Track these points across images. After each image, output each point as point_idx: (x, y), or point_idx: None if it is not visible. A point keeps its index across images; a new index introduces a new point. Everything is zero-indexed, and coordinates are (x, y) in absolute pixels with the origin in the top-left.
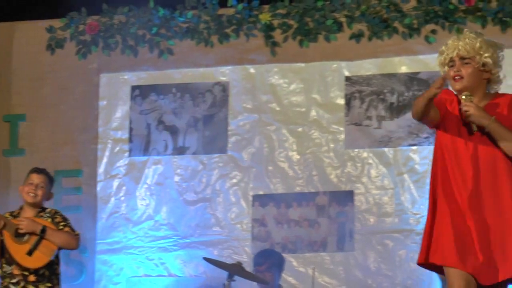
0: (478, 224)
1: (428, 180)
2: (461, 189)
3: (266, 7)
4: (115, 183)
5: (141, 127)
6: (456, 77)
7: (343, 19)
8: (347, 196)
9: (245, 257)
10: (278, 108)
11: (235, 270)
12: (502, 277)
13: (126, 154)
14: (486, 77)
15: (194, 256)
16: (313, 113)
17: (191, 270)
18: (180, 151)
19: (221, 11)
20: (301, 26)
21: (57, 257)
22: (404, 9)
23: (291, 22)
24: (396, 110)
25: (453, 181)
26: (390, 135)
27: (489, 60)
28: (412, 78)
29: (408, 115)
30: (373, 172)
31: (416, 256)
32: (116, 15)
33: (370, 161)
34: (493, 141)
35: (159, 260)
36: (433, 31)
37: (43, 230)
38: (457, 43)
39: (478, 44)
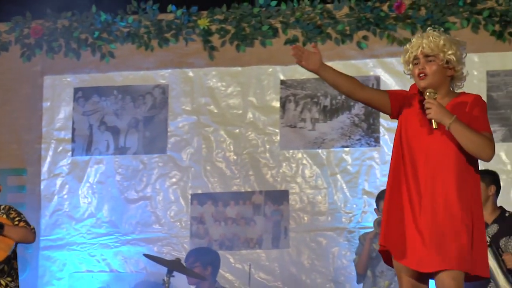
0: (424, 217)
1: (360, 181)
2: (412, 180)
3: (205, 12)
4: (58, 181)
5: (84, 128)
6: (421, 75)
7: (278, 25)
8: (282, 195)
9: (184, 253)
10: (216, 110)
11: (174, 266)
12: (439, 268)
13: (69, 153)
14: (450, 74)
15: (134, 252)
16: (249, 115)
17: (131, 266)
18: (121, 151)
19: (161, 16)
20: (238, 31)
21: (14, 252)
22: (337, 16)
23: (229, 27)
24: (329, 113)
25: (406, 172)
26: (323, 137)
27: (452, 57)
28: None
29: (341, 118)
30: (307, 172)
31: (348, 254)
32: (60, 19)
33: (304, 161)
34: (451, 138)
35: (101, 256)
36: (365, 37)
37: (1, 227)
38: (421, 41)
39: (441, 42)
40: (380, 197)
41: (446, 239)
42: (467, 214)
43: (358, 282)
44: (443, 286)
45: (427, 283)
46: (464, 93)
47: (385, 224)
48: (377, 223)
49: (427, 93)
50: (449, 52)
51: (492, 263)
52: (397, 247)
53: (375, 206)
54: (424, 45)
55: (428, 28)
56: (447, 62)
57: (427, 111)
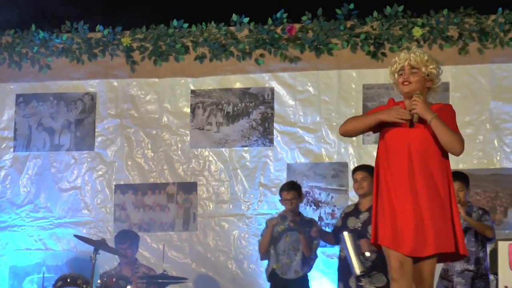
0: (412, 208)
1: (257, 175)
2: (398, 178)
3: (127, 32)
4: (2, 173)
5: (24, 128)
6: (405, 83)
7: (189, 44)
8: (192, 187)
9: (108, 235)
10: (136, 115)
11: (100, 245)
12: (430, 252)
13: (11, 150)
14: (429, 85)
15: (66, 233)
16: (164, 119)
17: (64, 245)
18: (56, 148)
19: (90, 34)
20: (156, 48)
21: None
22: (239, 37)
23: (147, 45)
24: (231, 118)
25: (392, 171)
26: (226, 138)
27: (433, 71)
28: (244, 93)
29: (241, 122)
30: (212, 168)
31: (246, 236)
32: (4, 36)
33: (210, 158)
34: (427, 138)
35: (38, 237)
36: (262, 55)
37: None
38: (409, 56)
39: (425, 58)
40: (282, 189)
41: (434, 227)
42: (448, 202)
43: (262, 259)
44: (423, 267)
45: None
46: (436, 104)
47: (376, 222)
48: (281, 217)
49: (415, 94)
50: (431, 67)
51: (351, 246)
52: (390, 238)
53: (279, 197)
54: (411, 58)
55: (414, 45)
56: (428, 75)
57: (413, 106)
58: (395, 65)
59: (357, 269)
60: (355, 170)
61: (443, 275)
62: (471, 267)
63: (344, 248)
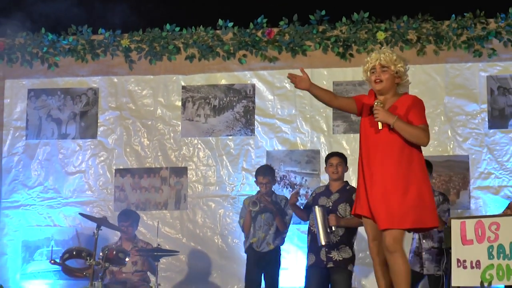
0: (376, 187)
1: (240, 160)
2: (369, 163)
3: (126, 35)
4: (15, 158)
5: (35, 119)
6: (377, 80)
7: (180, 45)
8: (183, 171)
9: (109, 213)
10: (133, 107)
11: (102, 222)
12: (383, 227)
13: (24, 138)
14: (398, 81)
15: (72, 212)
16: (159, 111)
17: (70, 222)
18: (63, 136)
19: (94, 37)
20: (151, 49)
21: None
22: (224, 39)
23: (144, 46)
24: (217, 111)
25: (366, 157)
26: (213, 128)
27: (401, 69)
28: (229, 88)
29: (226, 114)
30: (201, 154)
31: (231, 214)
32: (17, 37)
33: (199, 146)
34: (395, 133)
35: (47, 214)
36: (244, 55)
37: None
38: (379, 55)
39: (394, 57)
40: (257, 172)
41: (388, 205)
42: (407, 184)
43: (245, 237)
44: (384, 241)
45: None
46: (406, 93)
47: (356, 197)
48: (252, 203)
49: (375, 103)
50: (399, 65)
51: (320, 218)
52: (365, 211)
53: (254, 179)
54: (381, 58)
55: (383, 47)
56: (397, 72)
57: (375, 115)
58: (367, 64)
59: (322, 240)
60: (331, 155)
61: (416, 252)
62: (436, 245)
63: (313, 221)
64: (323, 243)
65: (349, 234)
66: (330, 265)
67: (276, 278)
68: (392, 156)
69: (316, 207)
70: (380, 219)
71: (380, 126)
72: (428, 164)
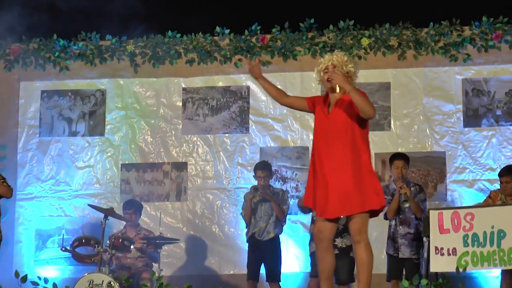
0: (328, 178)
1: (235, 156)
2: (320, 154)
3: (131, 40)
4: (29, 154)
5: (47, 118)
6: (329, 79)
7: (181, 50)
8: (183, 165)
9: (115, 204)
10: (138, 107)
11: (109, 212)
12: (336, 215)
13: (37, 135)
14: (348, 81)
15: (82, 203)
16: (161, 111)
17: (80, 212)
18: (73, 134)
19: (101, 42)
20: (154, 54)
21: None
22: (221, 45)
23: (148, 51)
24: (215, 110)
25: (317, 149)
26: (211, 126)
27: (352, 70)
28: (225, 90)
29: (223, 114)
30: (200, 150)
31: (227, 205)
32: (31, 43)
33: (198, 143)
34: (341, 123)
35: (59, 205)
36: (240, 60)
37: None
38: (332, 57)
39: (345, 58)
40: (256, 167)
41: (343, 194)
42: (357, 170)
43: (247, 227)
44: (350, 227)
45: (333, 221)
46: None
47: (307, 189)
48: (253, 188)
49: (336, 70)
50: (349, 66)
51: None
52: (315, 203)
53: (253, 174)
54: (334, 59)
55: (336, 50)
56: (347, 72)
57: (333, 77)
58: (321, 65)
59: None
60: None
61: (392, 237)
62: (412, 231)
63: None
64: (339, 228)
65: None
66: (335, 252)
67: (276, 265)
68: (341, 145)
69: None
70: (329, 208)
71: (337, 89)
72: (406, 157)
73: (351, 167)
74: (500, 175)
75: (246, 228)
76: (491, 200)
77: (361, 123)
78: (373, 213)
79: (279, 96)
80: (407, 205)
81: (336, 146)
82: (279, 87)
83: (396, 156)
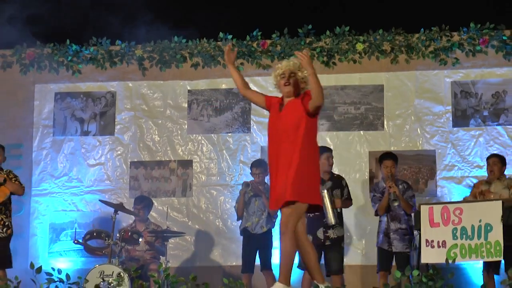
0: (279, 171)
1: (238, 154)
2: (274, 149)
3: (140, 45)
4: (44, 152)
5: (61, 118)
6: (286, 84)
7: (186, 54)
8: (188, 163)
9: (125, 200)
10: (146, 108)
11: (118, 207)
12: (276, 207)
13: (51, 135)
14: (303, 86)
15: (93, 198)
16: (168, 111)
17: (91, 207)
18: (85, 133)
19: (112, 47)
20: (161, 58)
21: (9, 199)
22: (224, 49)
23: (155, 55)
24: (219, 111)
25: (271, 145)
26: (215, 126)
27: (306, 75)
28: (228, 92)
29: (226, 114)
30: (204, 149)
31: (230, 201)
32: (45, 48)
33: (203, 142)
34: (291, 122)
35: (71, 201)
36: (242, 63)
37: (4, 180)
38: (289, 63)
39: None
40: (252, 165)
41: (282, 188)
42: (301, 167)
43: (238, 220)
44: (280, 218)
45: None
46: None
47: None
48: (245, 184)
49: (306, 51)
50: (305, 72)
51: (328, 201)
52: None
53: (250, 171)
54: (290, 65)
55: (292, 57)
56: (303, 78)
57: (301, 57)
58: (278, 70)
59: (332, 220)
60: (327, 150)
61: (385, 233)
62: (403, 226)
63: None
64: (333, 222)
65: (342, 215)
66: (328, 243)
67: (269, 256)
68: (293, 141)
69: (325, 191)
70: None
71: (304, 72)
72: (395, 156)
73: (296, 164)
74: (487, 159)
75: (238, 220)
76: (474, 188)
77: (309, 122)
78: (312, 209)
79: (243, 86)
80: (396, 203)
81: (284, 143)
82: None
83: (385, 156)
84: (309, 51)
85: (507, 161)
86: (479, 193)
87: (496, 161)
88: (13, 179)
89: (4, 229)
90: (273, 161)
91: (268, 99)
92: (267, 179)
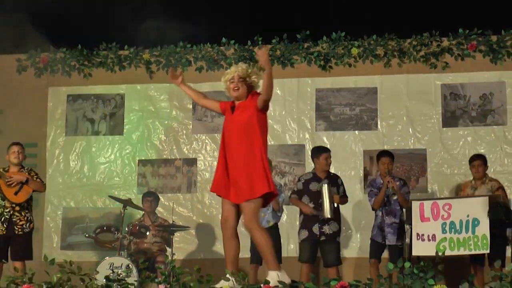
0: (230, 169)
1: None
2: (226, 149)
3: (147, 50)
4: (57, 151)
5: (73, 119)
6: (235, 88)
7: (191, 59)
8: (193, 161)
9: (133, 196)
10: (153, 109)
11: (127, 203)
12: (237, 201)
13: (64, 134)
14: (250, 90)
15: (103, 194)
16: (174, 112)
17: (101, 202)
18: (95, 133)
19: (121, 52)
20: (167, 62)
21: (31, 196)
22: (227, 54)
23: (162, 59)
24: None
25: (224, 144)
26: (218, 126)
27: (255, 80)
28: None
29: None
30: (208, 147)
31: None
32: (58, 52)
33: (207, 141)
34: (241, 123)
35: (83, 196)
36: None
37: (27, 180)
38: (237, 69)
39: (249, 70)
40: None
41: (238, 183)
42: (251, 163)
43: None
44: (244, 212)
45: (237, 208)
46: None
47: (214, 176)
48: None
49: (264, 47)
50: (253, 77)
51: (327, 195)
52: (222, 189)
53: None
54: (239, 70)
55: (240, 62)
56: (251, 83)
57: (261, 56)
58: (227, 75)
59: (328, 214)
60: (326, 150)
61: (379, 226)
62: (397, 221)
63: (320, 197)
64: (328, 216)
65: (337, 211)
66: (323, 238)
67: (276, 247)
68: (242, 140)
69: (325, 185)
70: (235, 195)
71: (262, 69)
72: (392, 154)
73: (246, 161)
74: (470, 161)
75: None
76: (461, 191)
77: (260, 118)
78: (267, 199)
79: (198, 98)
80: (395, 197)
81: (235, 142)
82: (277, 92)
83: (383, 153)
84: (267, 48)
85: (494, 160)
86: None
87: (480, 163)
88: (35, 177)
89: (27, 224)
90: (227, 157)
91: (222, 104)
92: None
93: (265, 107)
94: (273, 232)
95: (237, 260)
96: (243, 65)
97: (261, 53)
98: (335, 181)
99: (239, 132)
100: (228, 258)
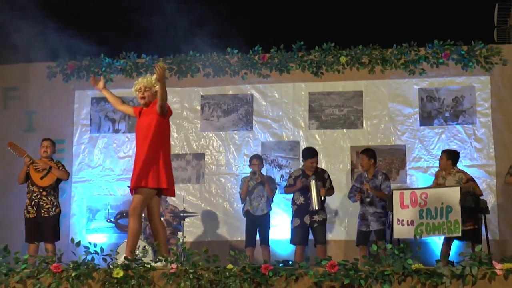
0: (134, 163)
1: (242, 149)
2: (136, 145)
3: (161, 58)
4: (82, 146)
5: (96, 119)
6: (142, 97)
7: (200, 66)
8: (201, 156)
9: None
10: None
11: None
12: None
13: (88, 132)
14: (154, 99)
15: (123, 184)
16: (184, 113)
17: (121, 192)
18: (116, 131)
19: (138, 60)
20: (179, 68)
21: (56, 182)
22: (231, 62)
23: (174, 66)
24: (226, 112)
25: (136, 142)
26: (223, 125)
27: (158, 89)
28: (234, 97)
29: (233, 115)
30: (214, 144)
31: (235, 187)
32: (83, 60)
33: (213, 138)
34: (145, 125)
35: (105, 187)
36: (246, 73)
37: (51, 167)
38: (144, 80)
39: (154, 81)
40: (251, 158)
41: (133, 173)
42: (149, 159)
43: (242, 203)
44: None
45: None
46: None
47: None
48: (252, 172)
49: (161, 61)
50: (157, 87)
51: (314, 189)
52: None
53: (249, 163)
54: (145, 81)
55: (148, 74)
56: (155, 92)
57: (158, 71)
58: (135, 86)
59: (316, 205)
60: (313, 156)
61: (362, 217)
62: (378, 210)
63: (299, 196)
64: (317, 207)
65: (324, 202)
66: (315, 225)
67: (267, 233)
68: (145, 138)
69: (313, 181)
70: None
71: (157, 78)
72: (372, 152)
73: (145, 157)
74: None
75: (241, 204)
76: (436, 180)
77: (160, 121)
78: (161, 192)
79: (116, 103)
80: (368, 199)
81: (138, 141)
82: (275, 95)
83: (363, 151)
84: (164, 66)
85: (464, 155)
86: (437, 184)
87: (443, 156)
88: (61, 167)
89: (53, 208)
90: (136, 153)
91: (135, 109)
92: (263, 170)
93: (162, 113)
94: (266, 218)
95: (165, 243)
96: (149, 77)
97: (159, 69)
98: (322, 176)
99: (142, 133)
100: (159, 243)
